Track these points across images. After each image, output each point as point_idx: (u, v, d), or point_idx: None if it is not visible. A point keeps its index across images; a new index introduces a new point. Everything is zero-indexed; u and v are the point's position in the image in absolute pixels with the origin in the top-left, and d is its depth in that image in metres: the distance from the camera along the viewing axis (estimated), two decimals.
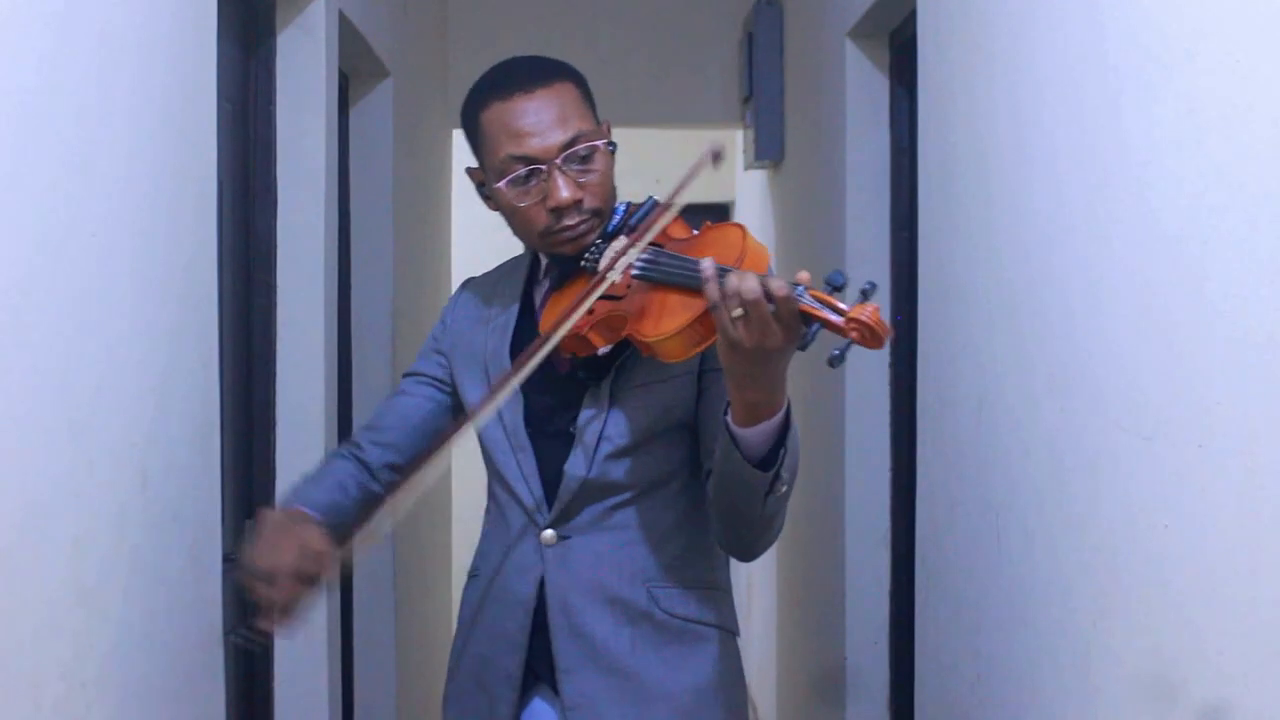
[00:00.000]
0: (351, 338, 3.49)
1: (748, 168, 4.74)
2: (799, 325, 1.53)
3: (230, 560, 2.49)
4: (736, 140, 5.46)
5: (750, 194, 5.55)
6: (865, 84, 3.19)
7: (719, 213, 6.60)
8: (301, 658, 2.80)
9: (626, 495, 1.84)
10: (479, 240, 5.61)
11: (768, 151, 4.29)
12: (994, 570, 2.05)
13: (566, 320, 1.71)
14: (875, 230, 3.17)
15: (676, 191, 1.75)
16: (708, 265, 1.56)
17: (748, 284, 1.51)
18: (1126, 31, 1.57)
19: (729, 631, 1.90)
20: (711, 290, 1.55)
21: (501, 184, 1.81)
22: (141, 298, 1.74)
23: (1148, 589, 1.51)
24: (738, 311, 1.52)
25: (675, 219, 1.81)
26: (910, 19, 2.73)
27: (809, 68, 3.78)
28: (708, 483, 1.82)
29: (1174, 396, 1.45)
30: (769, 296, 1.51)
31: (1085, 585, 1.69)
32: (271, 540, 1.71)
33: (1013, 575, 1.97)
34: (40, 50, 1.45)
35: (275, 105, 2.74)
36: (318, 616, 2.80)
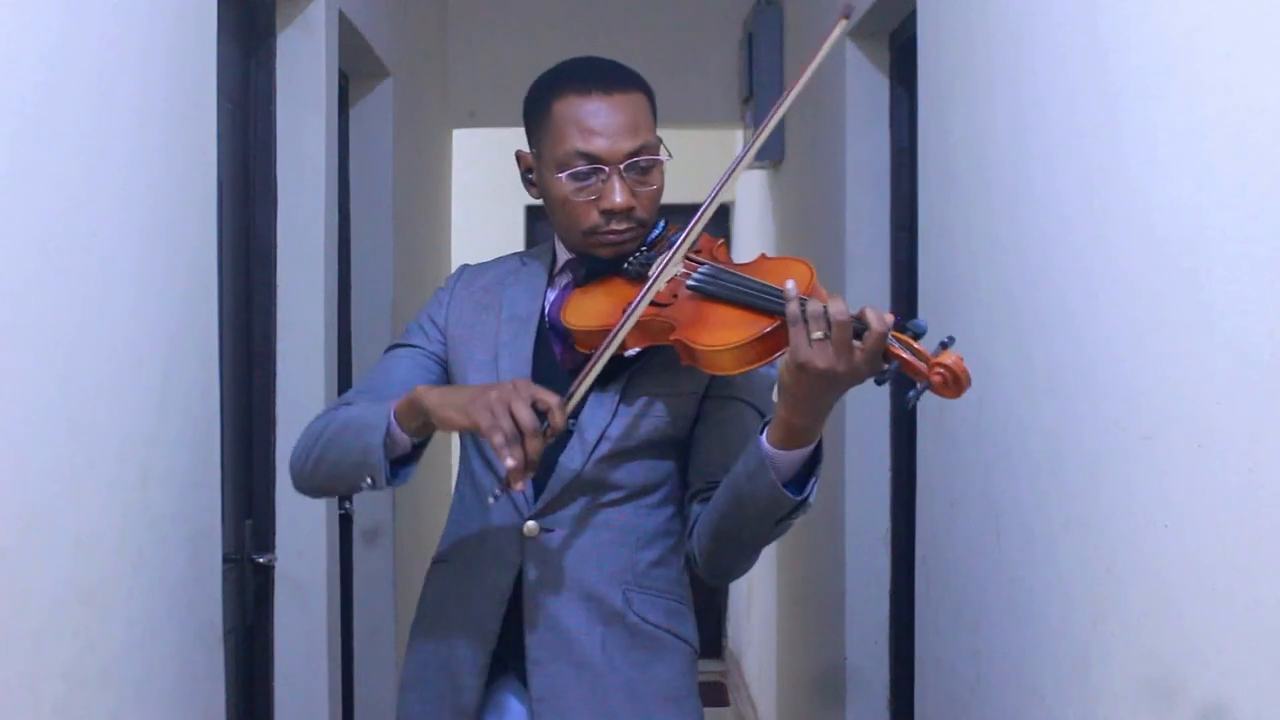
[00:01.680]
0: (351, 338, 3.49)
1: (748, 168, 4.73)
2: (879, 362, 1.56)
3: (230, 560, 2.50)
4: (737, 140, 5.46)
5: (750, 194, 5.56)
6: (865, 84, 3.19)
7: (719, 213, 6.60)
8: (301, 657, 2.80)
9: (614, 496, 1.85)
10: (479, 240, 5.63)
11: (768, 151, 4.29)
12: (994, 570, 2.05)
13: (632, 314, 1.72)
14: (875, 230, 3.17)
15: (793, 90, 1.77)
16: (791, 285, 1.59)
17: (837, 307, 1.54)
18: (1126, 32, 1.57)
19: (693, 648, 1.91)
20: (793, 309, 1.57)
21: (562, 175, 1.82)
22: (142, 298, 1.75)
23: (1147, 589, 1.52)
24: (818, 334, 1.54)
25: (721, 245, 1.84)
26: (910, 19, 2.73)
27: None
28: (693, 504, 1.84)
29: (1174, 396, 1.45)
30: (862, 324, 1.54)
31: (1085, 585, 1.69)
32: (501, 398, 1.65)
33: (1013, 575, 1.97)
34: (41, 51, 1.46)
35: (275, 105, 2.74)
36: (317, 615, 2.81)
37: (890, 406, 3.18)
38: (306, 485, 1.93)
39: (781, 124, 4.23)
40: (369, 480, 1.77)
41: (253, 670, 2.71)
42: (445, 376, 1.95)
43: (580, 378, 1.72)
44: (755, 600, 5.51)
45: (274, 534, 2.75)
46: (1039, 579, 1.85)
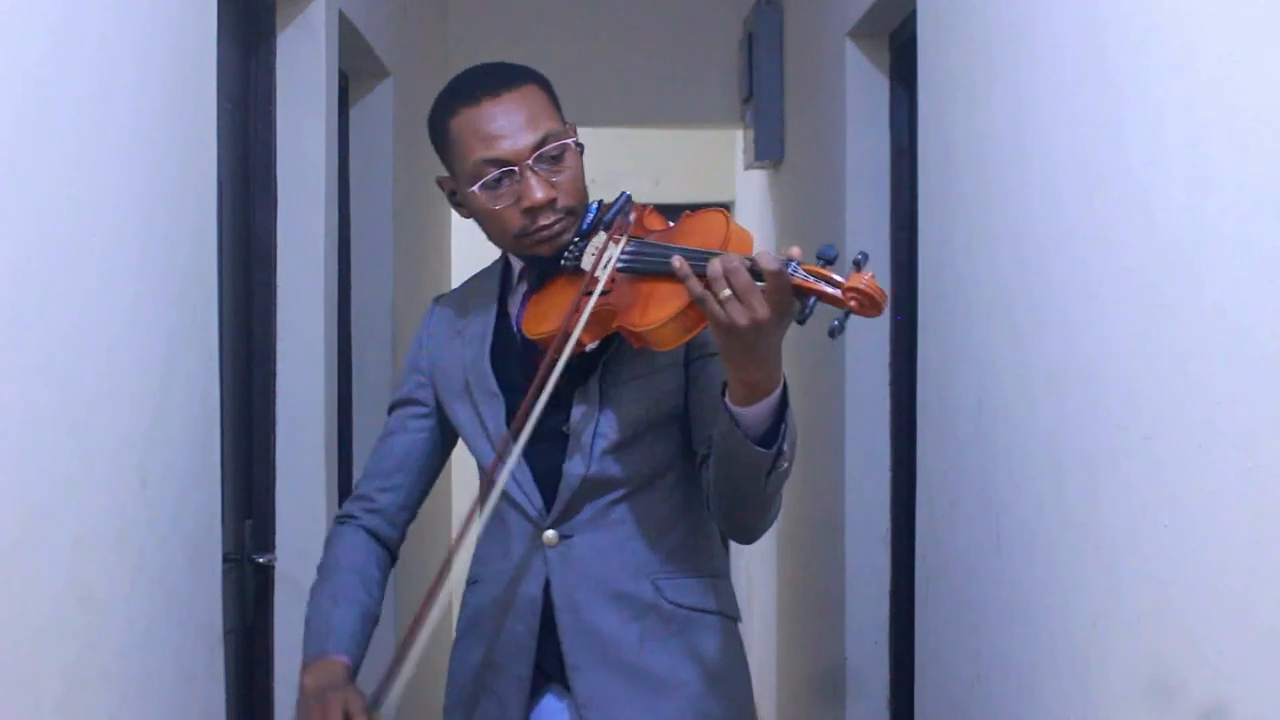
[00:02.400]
0: (351, 338, 3.49)
1: (748, 168, 4.74)
2: (791, 299, 1.55)
3: (230, 560, 2.50)
4: (737, 140, 5.46)
5: (750, 194, 5.55)
6: (865, 84, 3.19)
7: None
8: (301, 658, 2.79)
9: (625, 490, 1.85)
10: (479, 240, 5.64)
11: (768, 151, 4.29)
12: (994, 570, 2.05)
13: (574, 329, 1.71)
14: (875, 230, 3.17)
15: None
16: (679, 262, 1.59)
17: (730, 263, 1.54)
18: (1126, 32, 1.57)
19: (731, 618, 1.91)
20: (693, 286, 1.57)
21: (475, 188, 1.82)
22: (141, 298, 1.74)
23: (1147, 589, 1.51)
24: (726, 293, 1.54)
25: (651, 211, 1.82)
26: (910, 19, 2.73)
27: (809, 68, 3.78)
28: (703, 469, 1.82)
29: (1174, 396, 1.45)
30: (757, 273, 1.54)
31: (1085, 585, 1.69)
32: (317, 714, 1.76)
33: (1013, 575, 1.97)
34: (41, 50, 1.46)
35: (275, 105, 2.74)
36: None
37: (890, 407, 3.18)
38: None
39: (781, 124, 4.25)
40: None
41: (253, 670, 2.71)
42: (437, 419, 1.99)
43: (522, 414, 1.73)
44: (755, 600, 5.50)
45: (274, 534, 2.75)
46: (1039, 579, 1.85)
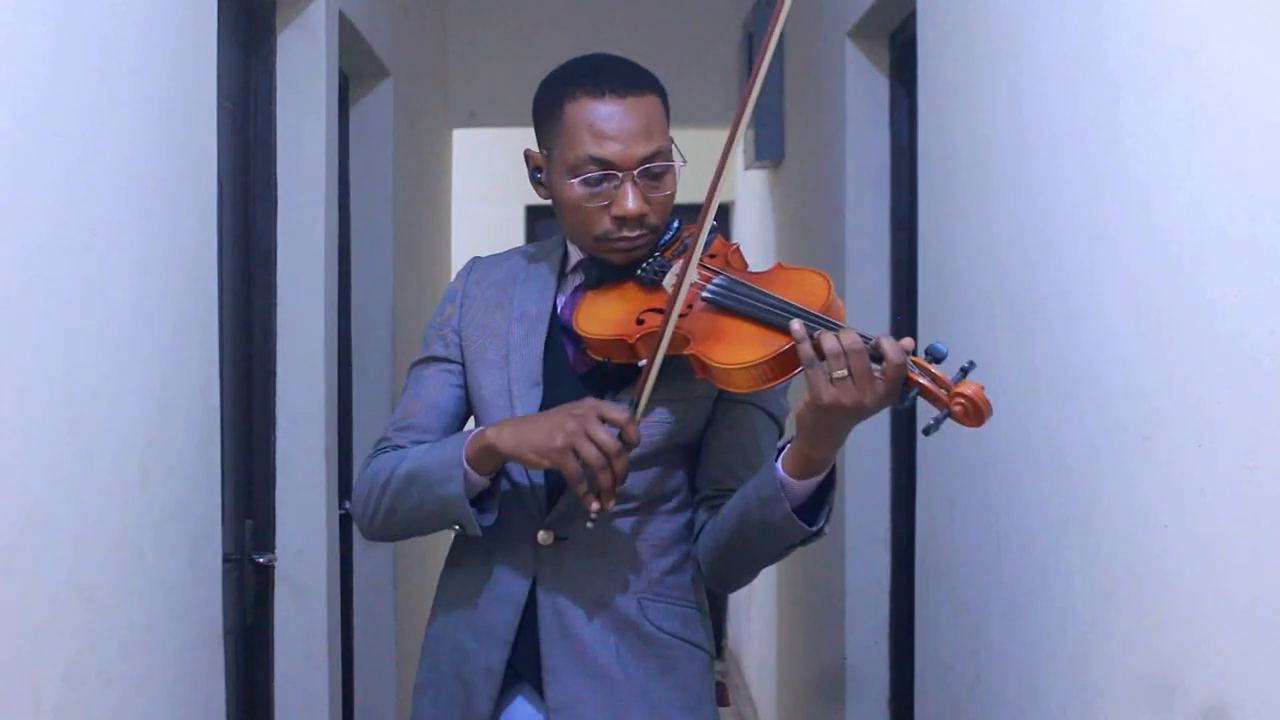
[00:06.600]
0: (351, 338, 3.49)
1: (748, 168, 4.74)
2: (899, 390, 1.54)
3: (230, 560, 2.50)
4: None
5: (750, 194, 5.55)
6: (865, 84, 3.19)
7: (719, 213, 6.58)
8: (301, 657, 2.80)
9: (628, 505, 1.83)
10: (479, 240, 5.65)
11: (768, 151, 4.29)
12: (994, 570, 2.05)
13: (663, 336, 1.69)
14: (875, 230, 3.17)
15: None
16: (798, 326, 1.56)
17: (855, 344, 1.51)
18: (1126, 32, 1.57)
19: (709, 654, 1.91)
20: (805, 351, 1.54)
21: (573, 180, 1.78)
22: (142, 298, 1.75)
23: (1147, 589, 1.52)
24: (840, 373, 1.52)
25: (736, 249, 1.81)
26: (910, 19, 2.73)
27: (809, 68, 3.78)
28: (701, 509, 1.83)
29: (1174, 396, 1.45)
30: (878, 357, 1.52)
31: (1085, 585, 1.69)
32: (578, 431, 1.66)
33: (1013, 575, 1.97)
34: (41, 51, 1.46)
35: (275, 105, 2.74)
36: (317, 615, 2.80)
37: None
38: (378, 536, 1.95)
39: (781, 124, 4.25)
40: (458, 528, 1.83)
41: (253, 670, 2.71)
42: (464, 377, 1.94)
43: (639, 386, 1.71)
44: (755, 600, 5.51)
45: (274, 534, 2.75)
46: (1039, 579, 1.85)
